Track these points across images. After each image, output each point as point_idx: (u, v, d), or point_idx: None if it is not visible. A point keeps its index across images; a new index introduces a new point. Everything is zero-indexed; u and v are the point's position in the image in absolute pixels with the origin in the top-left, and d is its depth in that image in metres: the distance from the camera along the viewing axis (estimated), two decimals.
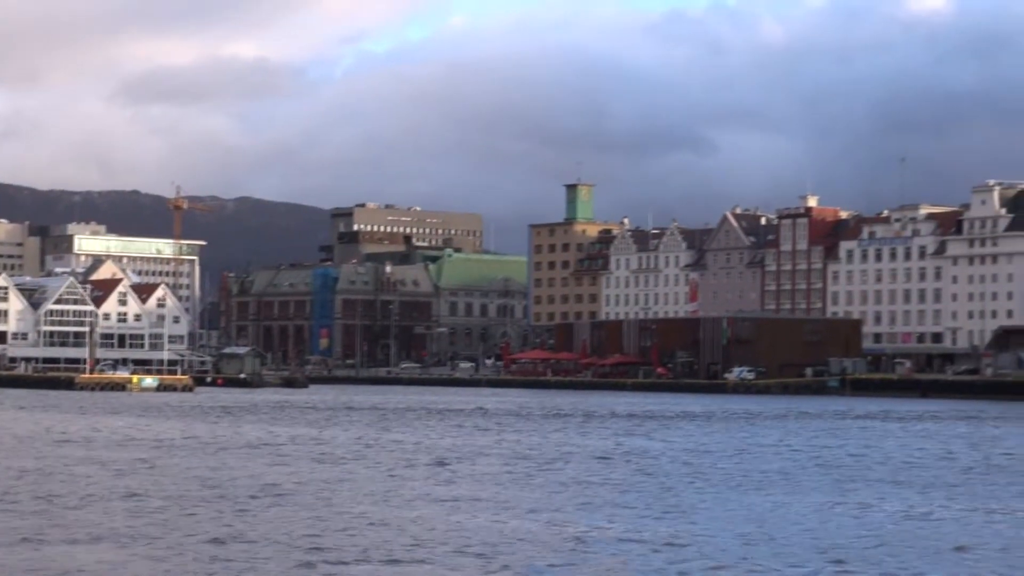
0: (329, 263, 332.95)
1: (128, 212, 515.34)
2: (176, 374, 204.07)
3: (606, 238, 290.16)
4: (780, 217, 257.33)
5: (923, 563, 36.10)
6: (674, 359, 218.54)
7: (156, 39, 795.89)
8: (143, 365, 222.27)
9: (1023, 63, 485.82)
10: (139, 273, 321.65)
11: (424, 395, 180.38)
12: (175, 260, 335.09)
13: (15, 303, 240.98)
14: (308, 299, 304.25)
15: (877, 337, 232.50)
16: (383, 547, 37.49)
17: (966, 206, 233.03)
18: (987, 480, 61.07)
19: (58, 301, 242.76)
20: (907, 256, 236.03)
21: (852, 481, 59.19)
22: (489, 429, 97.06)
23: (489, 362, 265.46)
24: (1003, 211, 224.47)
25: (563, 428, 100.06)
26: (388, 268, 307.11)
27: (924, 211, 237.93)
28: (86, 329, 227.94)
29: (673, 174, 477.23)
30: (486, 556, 36.12)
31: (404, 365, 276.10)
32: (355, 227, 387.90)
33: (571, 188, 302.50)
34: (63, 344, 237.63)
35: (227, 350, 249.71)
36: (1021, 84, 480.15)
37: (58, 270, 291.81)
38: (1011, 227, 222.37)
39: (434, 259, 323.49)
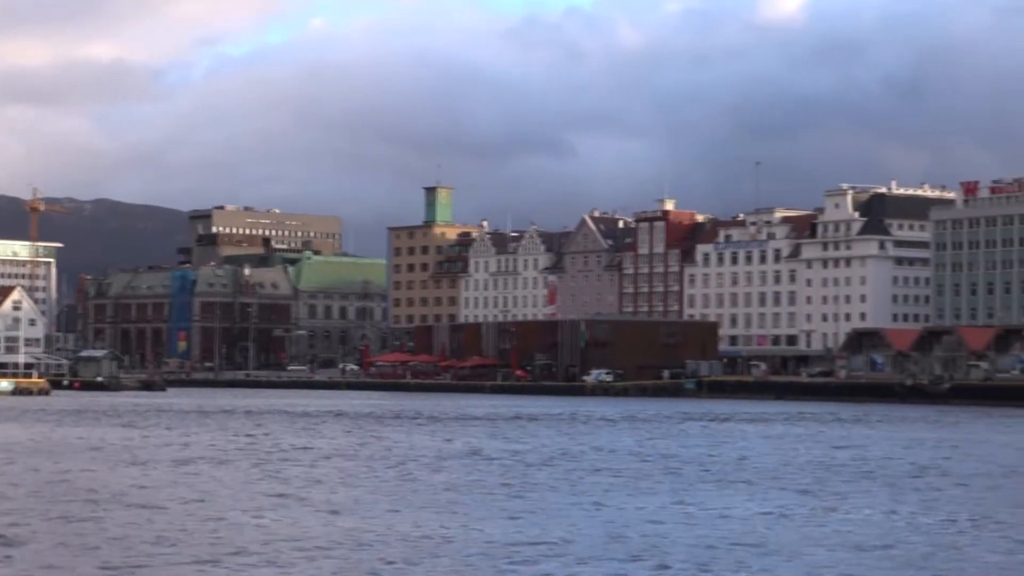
0: (187, 265, 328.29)
1: None
2: (32, 377, 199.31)
3: (465, 241, 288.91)
4: (637, 220, 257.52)
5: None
6: (533, 362, 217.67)
7: (11, 39, 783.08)
8: None
9: (875, 69, 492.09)
10: None
11: (282, 398, 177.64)
12: (31, 262, 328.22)
13: None
14: (166, 301, 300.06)
15: (733, 339, 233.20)
16: (199, 547, 36.98)
17: (820, 210, 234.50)
18: (823, 480, 61.17)
19: None
20: (762, 259, 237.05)
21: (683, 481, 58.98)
22: (348, 432, 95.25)
23: (348, 366, 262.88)
24: (856, 215, 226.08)
25: (409, 430, 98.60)
26: (247, 270, 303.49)
27: (779, 215, 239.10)
28: None
29: (532, 178, 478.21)
30: (311, 555, 35.89)
31: (262, 369, 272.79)
32: (214, 229, 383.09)
33: (430, 191, 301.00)
34: None
35: (84, 353, 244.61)
36: (873, 89, 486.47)
37: None
38: (864, 230, 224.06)
39: (293, 262, 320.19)
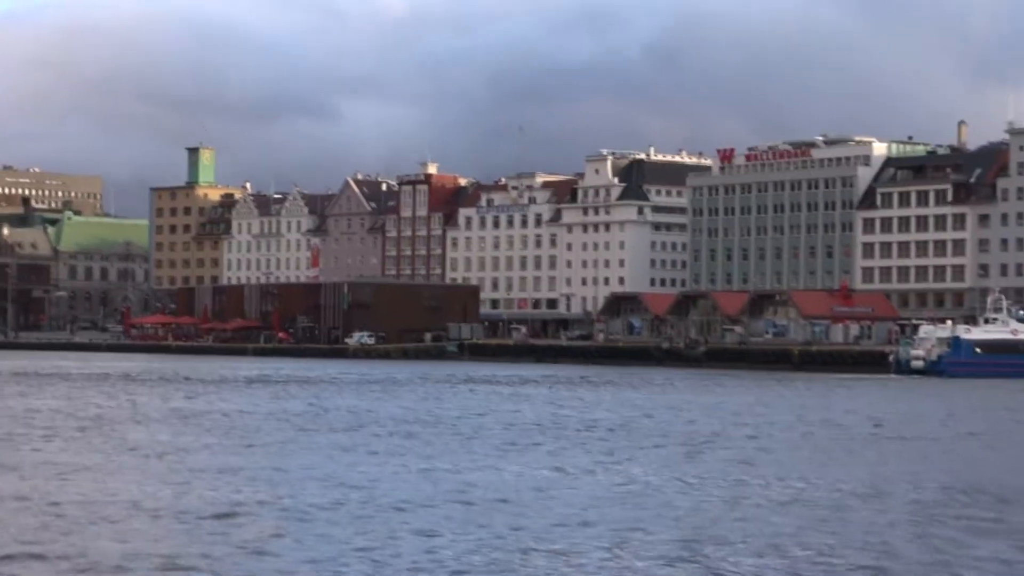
0: None
1: None
2: None
3: (228, 202, 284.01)
4: (401, 183, 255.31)
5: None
6: (295, 324, 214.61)
7: None
8: None
9: (634, 37, 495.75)
10: None
11: (43, 360, 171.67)
12: None
13: None
14: None
15: (495, 303, 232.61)
16: None
17: (580, 175, 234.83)
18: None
19: None
20: (523, 223, 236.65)
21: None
22: (107, 394, 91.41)
23: (110, 327, 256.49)
24: (615, 180, 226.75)
25: (157, 392, 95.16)
26: (5, 230, 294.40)
27: (540, 179, 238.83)
28: None
29: (295, 140, 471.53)
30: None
31: (23, 331, 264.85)
32: None
33: (193, 152, 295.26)
34: None
35: None
36: (632, 57, 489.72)
37: None
38: (623, 196, 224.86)
39: (53, 222, 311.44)
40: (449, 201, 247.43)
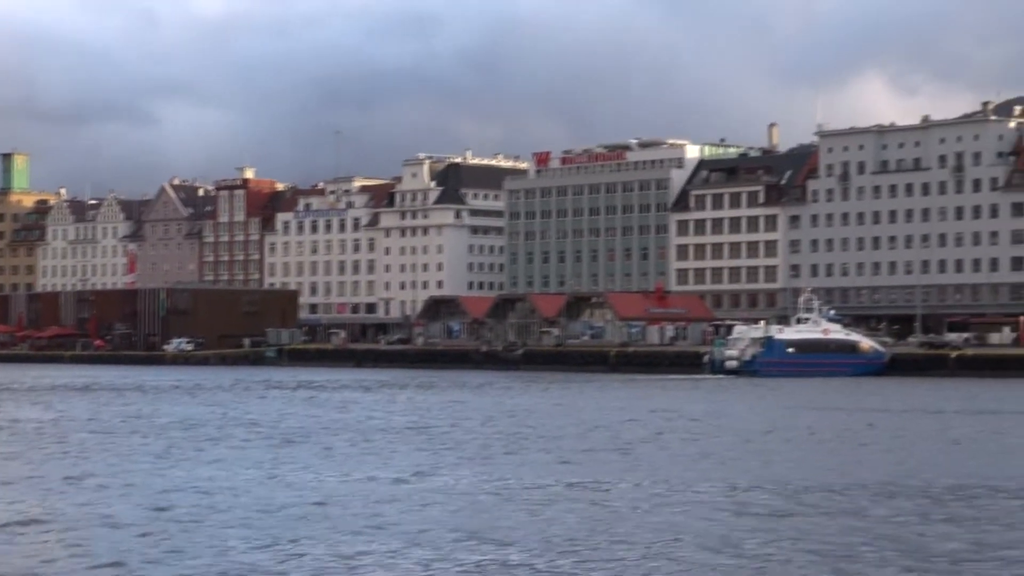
0: None
1: None
2: None
3: (42, 208, 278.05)
4: (218, 188, 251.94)
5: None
6: (112, 331, 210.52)
7: None
8: None
9: (450, 42, 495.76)
10: None
11: None
12: None
13: None
14: None
15: (314, 308, 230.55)
16: None
17: (398, 179, 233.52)
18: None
19: None
20: (341, 228, 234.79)
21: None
22: None
23: None
24: (433, 184, 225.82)
25: None
26: None
27: (358, 183, 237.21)
28: None
29: (111, 145, 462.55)
30: None
31: None
32: None
33: (6, 157, 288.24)
34: None
35: None
36: (448, 62, 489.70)
37: None
38: (440, 199, 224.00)
39: None
40: (267, 206, 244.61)
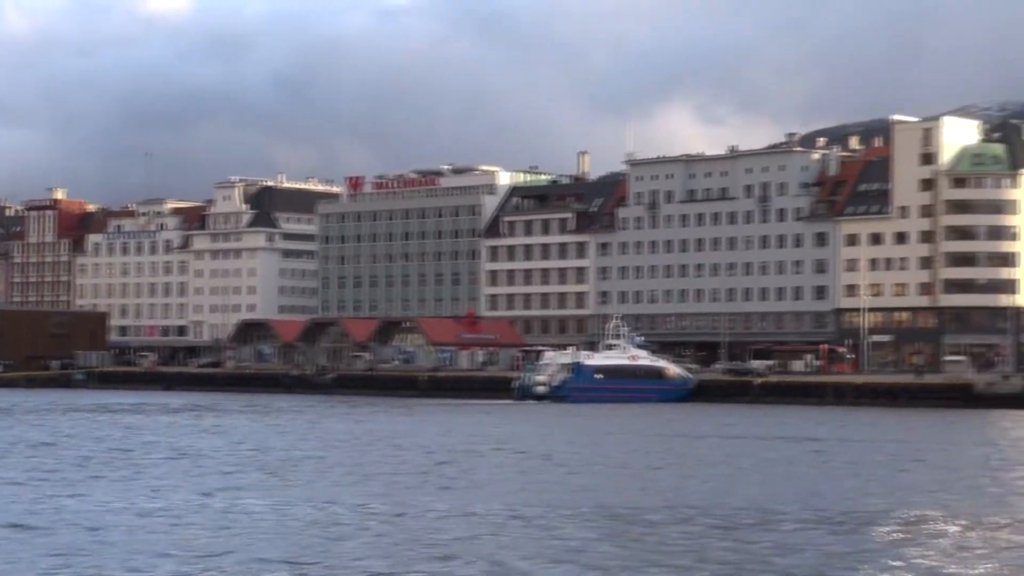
0: None
1: None
2: None
3: None
4: (28, 209, 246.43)
5: None
6: None
7: None
8: None
9: (262, 64, 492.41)
10: None
11: None
12: None
13: None
14: None
15: (124, 330, 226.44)
16: None
17: (211, 201, 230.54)
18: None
19: None
20: (153, 250, 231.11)
21: None
22: None
23: None
24: (245, 207, 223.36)
25: None
26: None
27: (170, 206, 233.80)
28: None
29: None
30: None
31: None
32: None
33: None
34: None
35: None
36: (261, 84, 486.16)
37: None
38: (253, 223, 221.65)
39: None
40: (77, 227, 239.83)
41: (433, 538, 37.83)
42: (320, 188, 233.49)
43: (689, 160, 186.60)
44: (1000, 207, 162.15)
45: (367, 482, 54.30)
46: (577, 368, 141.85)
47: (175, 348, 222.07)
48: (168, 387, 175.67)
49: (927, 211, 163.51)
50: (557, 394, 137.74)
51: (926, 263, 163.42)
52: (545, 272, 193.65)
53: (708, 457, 68.87)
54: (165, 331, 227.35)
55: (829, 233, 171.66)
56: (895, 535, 39.81)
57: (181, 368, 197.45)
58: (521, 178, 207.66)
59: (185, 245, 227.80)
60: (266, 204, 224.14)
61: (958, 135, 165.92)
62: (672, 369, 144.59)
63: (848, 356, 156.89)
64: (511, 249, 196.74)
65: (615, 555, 35.36)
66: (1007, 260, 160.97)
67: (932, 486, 54.82)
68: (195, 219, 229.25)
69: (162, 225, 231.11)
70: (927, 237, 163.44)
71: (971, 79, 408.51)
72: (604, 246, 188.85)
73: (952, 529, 41.20)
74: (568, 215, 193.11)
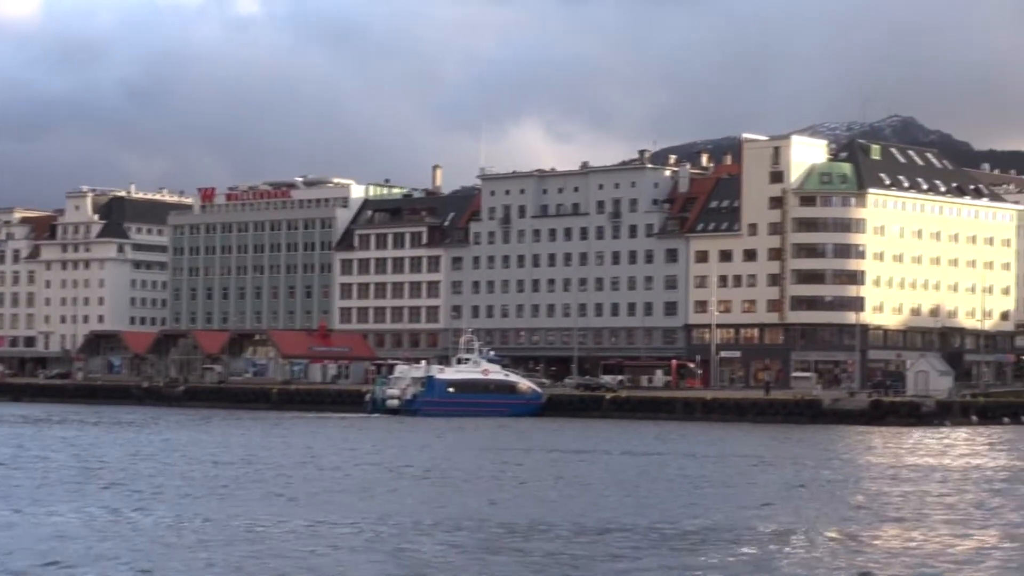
0: None
1: None
2: None
3: None
4: None
5: None
6: None
7: None
8: None
9: (112, 72, 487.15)
10: None
11: None
12: None
13: None
14: None
15: None
16: None
17: (61, 211, 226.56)
18: None
19: None
20: (1, 260, 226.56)
21: None
22: None
23: None
24: (96, 217, 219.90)
25: None
26: None
27: (18, 215, 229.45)
28: None
29: None
30: None
31: None
32: None
33: None
34: None
35: None
36: (111, 93, 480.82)
37: None
38: (103, 233, 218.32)
39: None
40: None
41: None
42: (171, 199, 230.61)
43: (542, 175, 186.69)
44: (847, 225, 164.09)
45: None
46: (429, 382, 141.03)
47: (23, 359, 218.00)
48: (15, 398, 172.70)
49: (776, 228, 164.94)
50: (409, 408, 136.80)
51: (774, 280, 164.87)
52: (398, 286, 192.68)
53: (542, 472, 68.71)
54: (13, 342, 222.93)
55: (680, 249, 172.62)
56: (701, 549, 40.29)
57: (30, 379, 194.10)
58: (374, 191, 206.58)
59: (34, 255, 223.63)
60: (117, 214, 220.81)
61: (806, 154, 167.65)
62: (524, 383, 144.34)
63: (698, 372, 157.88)
64: (364, 262, 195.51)
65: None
66: (854, 278, 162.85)
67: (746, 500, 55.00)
68: (44, 229, 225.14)
69: (11, 234, 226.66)
70: (776, 254, 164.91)
71: (819, 98, 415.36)
72: (457, 260, 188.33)
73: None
74: (421, 229, 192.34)
